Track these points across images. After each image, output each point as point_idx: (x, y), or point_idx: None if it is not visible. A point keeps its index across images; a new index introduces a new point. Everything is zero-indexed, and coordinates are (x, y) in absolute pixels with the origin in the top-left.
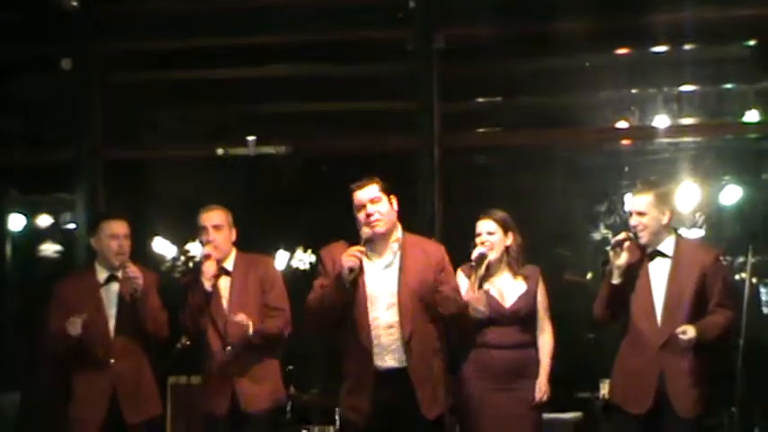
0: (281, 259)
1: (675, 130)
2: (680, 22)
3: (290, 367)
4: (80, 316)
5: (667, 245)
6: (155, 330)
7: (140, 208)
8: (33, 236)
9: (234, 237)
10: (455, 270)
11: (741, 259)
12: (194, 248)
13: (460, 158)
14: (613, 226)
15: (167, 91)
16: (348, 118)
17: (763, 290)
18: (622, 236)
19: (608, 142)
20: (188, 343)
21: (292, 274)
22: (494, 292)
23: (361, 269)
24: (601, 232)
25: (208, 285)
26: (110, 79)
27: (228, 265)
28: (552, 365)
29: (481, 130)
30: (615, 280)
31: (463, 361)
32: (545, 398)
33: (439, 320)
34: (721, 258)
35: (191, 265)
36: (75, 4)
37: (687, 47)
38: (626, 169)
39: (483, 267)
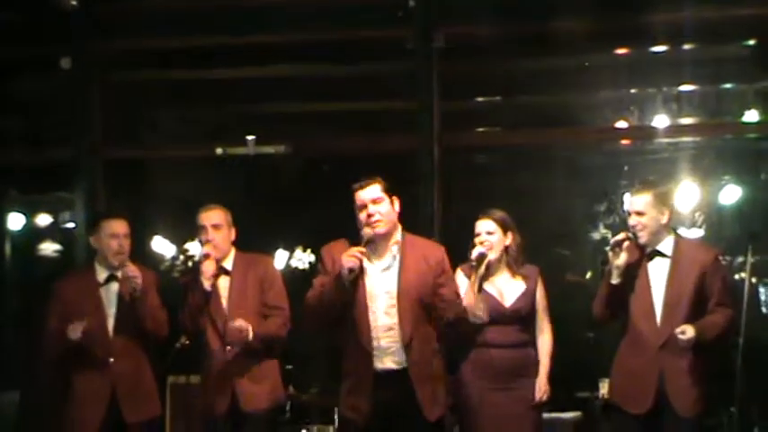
0: (280, 259)
1: (675, 129)
2: (679, 22)
3: (289, 367)
4: (81, 321)
5: (666, 245)
6: (154, 330)
7: (140, 207)
8: (33, 235)
9: (233, 236)
10: (454, 270)
11: (740, 259)
12: (194, 248)
13: (460, 158)
14: (613, 225)
15: (167, 90)
16: (348, 117)
17: (762, 289)
18: (621, 236)
19: (607, 142)
20: (187, 342)
21: (291, 274)
22: (493, 292)
23: (361, 270)
24: (600, 232)
25: (207, 285)
26: (109, 78)
27: (228, 264)
28: (552, 365)
29: (481, 129)
30: (614, 280)
31: (462, 360)
32: (545, 397)
33: (438, 321)
34: (720, 258)
35: (190, 264)
36: (74, 3)
37: (686, 47)
38: (625, 169)
39: (483, 267)
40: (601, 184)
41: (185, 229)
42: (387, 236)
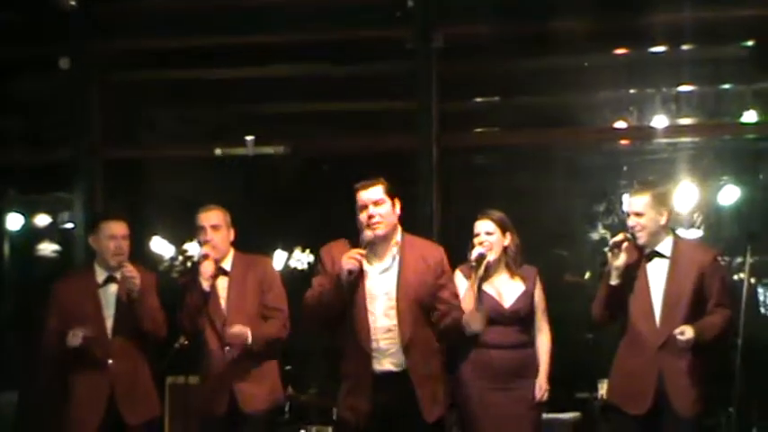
0: (279, 259)
1: (674, 130)
2: (678, 23)
3: (288, 367)
4: (82, 328)
5: (665, 245)
6: (153, 330)
7: (139, 207)
8: (31, 235)
9: (232, 237)
10: (453, 270)
11: (739, 259)
12: (192, 248)
13: (459, 158)
14: (612, 226)
15: (166, 90)
16: (347, 118)
17: (760, 290)
18: (620, 237)
19: (606, 142)
20: (186, 343)
21: (291, 275)
22: (492, 293)
23: (360, 272)
24: (599, 232)
25: (206, 286)
26: (108, 79)
27: (226, 265)
28: (551, 365)
29: (480, 129)
30: (613, 281)
31: (462, 361)
32: (545, 397)
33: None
34: (719, 258)
35: (189, 264)
36: (73, 3)
37: (685, 47)
38: (624, 169)
39: (482, 268)
40: (600, 185)
41: (184, 230)
42: (386, 237)
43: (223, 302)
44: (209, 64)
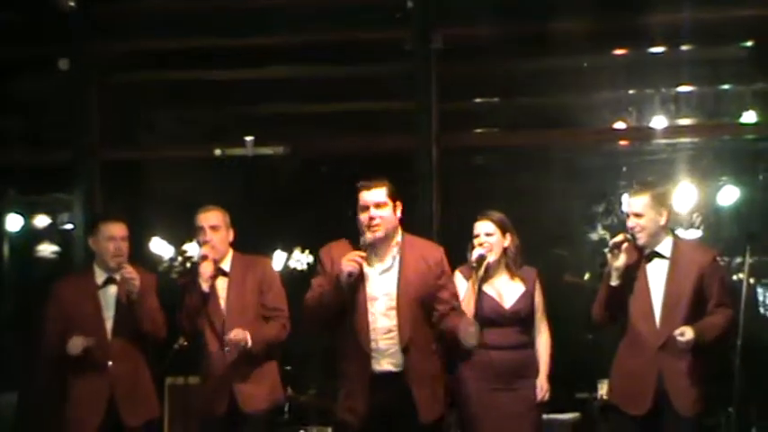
0: (278, 260)
1: (673, 130)
2: (677, 23)
3: (288, 368)
4: (83, 337)
5: (665, 246)
6: (152, 331)
7: (138, 208)
8: (31, 236)
9: (231, 237)
10: (453, 271)
11: (738, 260)
12: (192, 249)
13: (458, 159)
14: (611, 226)
15: (165, 91)
16: (346, 118)
17: (760, 290)
18: (620, 238)
19: (606, 143)
20: (185, 344)
21: (290, 275)
22: (492, 294)
23: (360, 274)
24: (598, 233)
25: (205, 287)
26: (107, 80)
27: (225, 265)
28: (551, 365)
29: (479, 130)
30: (613, 282)
31: (462, 361)
32: (546, 397)
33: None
34: (719, 259)
35: (188, 265)
36: (72, 4)
37: (684, 48)
38: (624, 170)
39: (482, 269)
40: (599, 185)
41: (183, 231)
42: (387, 238)
43: (222, 303)
44: (208, 65)
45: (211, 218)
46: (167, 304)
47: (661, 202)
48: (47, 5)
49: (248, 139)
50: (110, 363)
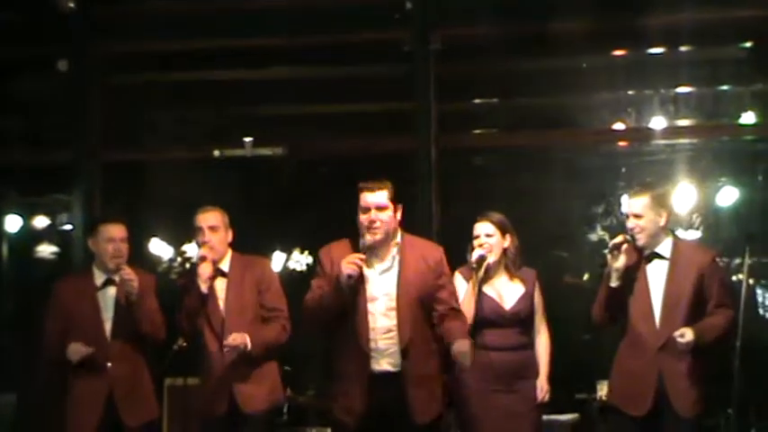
0: (278, 261)
1: (672, 131)
2: (676, 24)
3: (287, 368)
4: (82, 345)
5: (665, 247)
6: (152, 332)
7: (137, 209)
8: (30, 237)
9: (230, 238)
10: (453, 272)
11: (738, 261)
12: (191, 249)
13: (457, 159)
14: (610, 227)
15: (164, 92)
16: (345, 119)
17: (759, 291)
18: (620, 239)
19: (605, 144)
20: (185, 344)
21: (289, 276)
22: (493, 295)
23: (360, 275)
24: (598, 234)
25: (204, 288)
26: (108, 81)
27: (224, 266)
28: (550, 366)
29: (478, 131)
30: (613, 283)
31: None
32: (546, 398)
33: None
34: (718, 259)
35: (187, 266)
36: (71, 5)
37: (683, 48)
38: (623, 171)
39: (482, 270)
40: (598, 186)
41: (183, 231)
42: (386, 241)
43: (221, 303)
44: (208, 66)
45: (210, 218)
46: (167, 305)
47: (661, 203)
48: (47, 6)
49: (247, 140)
50: (109, 364)
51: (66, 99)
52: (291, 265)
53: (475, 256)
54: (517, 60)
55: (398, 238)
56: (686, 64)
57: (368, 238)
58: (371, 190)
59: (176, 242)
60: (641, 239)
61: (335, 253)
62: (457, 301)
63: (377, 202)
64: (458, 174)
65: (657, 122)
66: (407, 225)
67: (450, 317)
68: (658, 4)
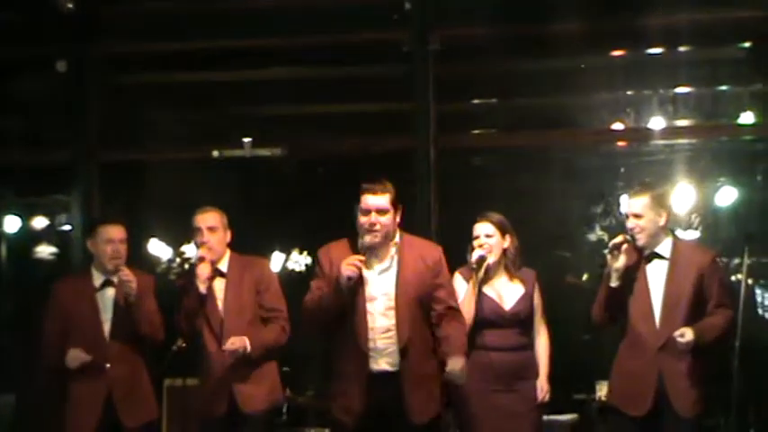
0: (276, 261)
1: (671, 131)
2: (675, 24)
3: (286, 369)
4: (81, 351)
5: (664, 247)
6: (150, 333)
7: (136, 210)
8: (29, 238)
9: (228, 238)
10: (452, 273)
11: (737, 261)
12: (190, 250)
13: (457, 160)
14: (609, 227)
15: (163, 93)
16: (344, 119)
17: (758, 291)
18: (620, 239)
19: (604, 144)
20: (184, 345)
21: (288, 277)
22: (492, 295)
23: (360, 276)
24: (597, 234)
25: (202, 288)
26: (107, 81)
27: (223, 266)
28: (550, 366)
29: (477, 131)
30: (613, 283)
31: None
32: (547, 398)
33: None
34: (718, 260)
35: (186, 266)
36: (70, 6)
37: (682, 49)
38: (622, 171)
39: (482, 270)
40: (597, 186)
41: (182, 232)
42: (385, 242)
43: (220, 304)
44: (207, 66)
45: (208, 219)
46: (166, 306)
47: (660, 203)
48: (46, 6)
49: (246, 140)
50: (108, 365)
51: (65, 99)
52: (290, 265)
53: (475, 256)
54: (516, 61)
55: (397, 238)
56: (685, 64)
57: (367, 239)
58: (374, 192)
59: (175, 243)
60: (641, 239)
61: (334, 253)
62: (455, 300)
63: (378, 205)
64: (457, 174)
65: (656, 123)
66: (406, 225)
67: (449, 316)
68: (657, 5)
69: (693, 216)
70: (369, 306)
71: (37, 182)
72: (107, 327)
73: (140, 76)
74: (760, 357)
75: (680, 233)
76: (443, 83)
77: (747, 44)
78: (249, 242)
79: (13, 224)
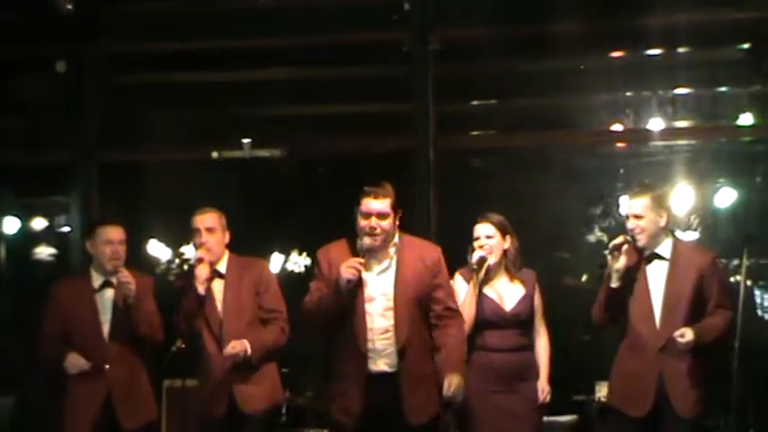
0: (276, 262)
1: (670, 132)
2: (674, 26)
3: (285, 369)
4: (80, 357)
5: (665, 247)
6: (150, 334)
7: (135, 211)
8: (28, 239)
9: (227, 239)
10: (453, 274)
11: (736, 262)
12: (189, 251)
13: (456, 160)
14: (609, 228)
15: (162, 94)
16: (343, 120)
17: (757, 292)
18: (620, 239)
19: (603, 145)
20: (183, 346)
21: (287, 278)
22: (493, 296)
23: (359, 279)
24: (596, 235)
25: (201, 290)
26: (106, 81)
27: (222, 267)
28: (550, 367)
29: (476, 132)
30: (614, 283)
31: None
32: (547, 398)
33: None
34: (718, 261)
35: (185, 267)
36: (70, 6)
37: (681, 50)
38: (621, 172)
39: (483, 271)
40: (596, 187)
41: (181, 233)
42: (384, 244)
43: (219, 305)
44: (207, 67)
45: (207, 220)
46: (165, 307)
47: (661, 203)
48: (46, 6)
49: (246, 141)
50: (107, 366)
51: (65, 100)
52: (290, 266)
53: (475, 257)
54: (515, 61)
55: (396, 239)
56: (684, 65)
57: (366, 242)
58: (375, 196)
59: (174, 244)
60: (641, 240)
61: (333, 254)
62: (454, 300)
63: (379, 209)
64: (456, 175)
65: (656, 124)
66: (406, 226)
67: (448, 317)
68: (657, 6)
69: (693, 217)
70: (367, 307)
71: (36, 183)
72: (106, 328)
73: (140, 76)
74: (759, 358)
75: (679, 234)
76: (443, 83)
77: (747, 45)
78: (248, 243)
79: (12, 225)
